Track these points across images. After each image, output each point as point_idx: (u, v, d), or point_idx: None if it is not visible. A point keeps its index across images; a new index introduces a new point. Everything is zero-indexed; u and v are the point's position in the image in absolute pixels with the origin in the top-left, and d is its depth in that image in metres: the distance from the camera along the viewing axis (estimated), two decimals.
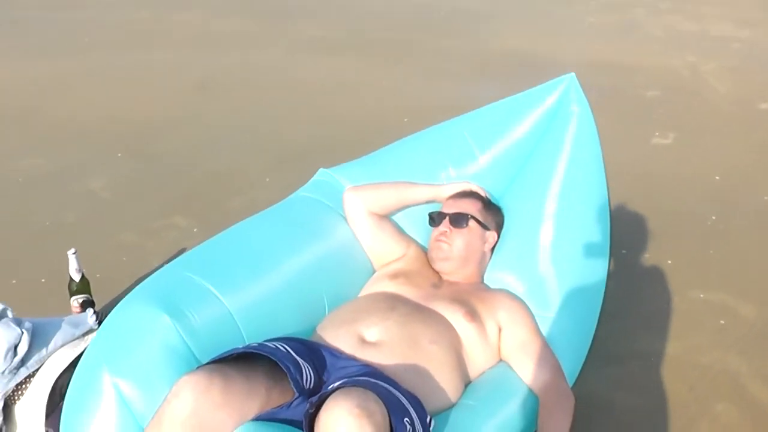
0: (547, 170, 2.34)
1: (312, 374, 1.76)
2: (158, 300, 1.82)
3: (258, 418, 1.66)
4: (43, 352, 2.12)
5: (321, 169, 2.52)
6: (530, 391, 1.98)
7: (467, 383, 2.01)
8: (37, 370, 2.11)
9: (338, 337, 1.92)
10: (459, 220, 2.24)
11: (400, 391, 1.69)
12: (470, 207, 2.28)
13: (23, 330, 2.08)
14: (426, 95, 5.10)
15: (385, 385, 1.67)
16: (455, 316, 2.04)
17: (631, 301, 2.76)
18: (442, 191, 2.34)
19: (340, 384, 1.66)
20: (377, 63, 5.89)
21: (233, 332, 1.90)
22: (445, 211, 2.28)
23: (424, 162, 2.48)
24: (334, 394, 1.53)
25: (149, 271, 2.94)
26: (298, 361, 1.74)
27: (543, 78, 2.49)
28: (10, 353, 2.06)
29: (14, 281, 3.07)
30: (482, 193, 2.34)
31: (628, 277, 2.91)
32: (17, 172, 4.11)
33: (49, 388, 2.06)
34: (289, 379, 1.67)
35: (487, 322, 2.08)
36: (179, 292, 1.87)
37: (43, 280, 2.95)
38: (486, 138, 2.50)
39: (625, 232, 3.20)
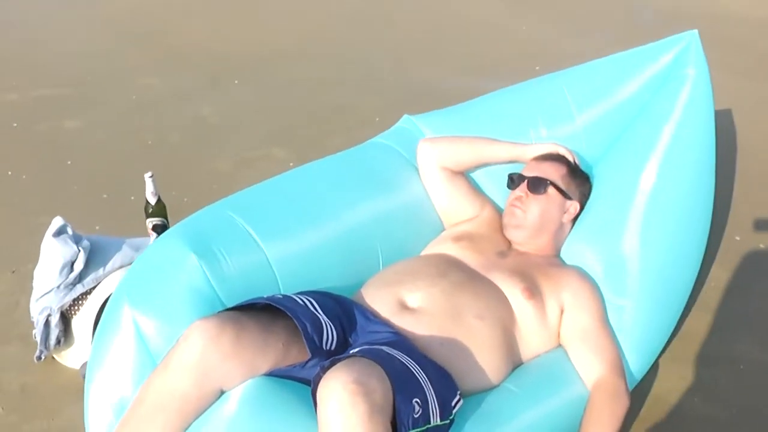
0: (648, 140, 2.06)
1: (334, 334, 1.64)
2: (190, 238, 1.74)
3: (272, 374, 1.56)
4: (100, 271, 2.15)
5: (405, 116, 2.36)
6: (584, 385, 1.78)
7: (516, 365, 1.83)
8: (94, 287, 2.14)
9: (377, 298, 1.79)
10: (537, 185, 2.02)
11: (423, 367, 1.54)
12: (553, 172, 2.05)
13: (80, 248, 2.11)
14: (563, 45, 4.74)
15: (405, 358, 1.53)
16: (513, 291, 1.85)
17: (734, 296, 2.42)
18: (526, 152, 2.12)
19: (358, 350, 1.54)
20: (519, 9, 5.53)
21: (269, 282, 1.80)
22: (525, 173, 2.06)
23: (516, 116, 2.26)
24: (338, 364, 1.41)
25: None
26: (319, 319, 1.63)
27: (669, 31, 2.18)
28: (66, 269, 2.09)
29: (105, 196, 3.14)
30: (570, 158, 2.09)
31: (737, 267, 2.55)
32: (132, 91, 4.20)
33: (98, 307, 2.08)
34: (303, 338, 1.57)
35: (549, 302, 1.87)
36: (216, 233, 1.79)
37: (132, 198, 2.99)
38: (587, 97, 2.23)
39: (745, 216, 2.82)
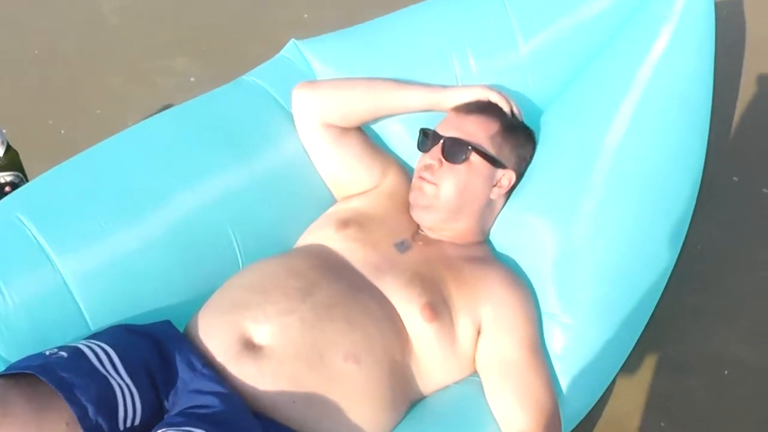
0: (620, 80, 1.47)
1: (137, 405, 1.14)
2: None
3: None
4: None
5: (292, 41, 1.73)
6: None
7: (412, 403, 1.34)
8: None
9: (213, 332, 1.27)
10: (455, 149, 1.44)
11: None
12: (479, 129, 1.46)
13: None
14: None
15: None
16: (409, 309, 1.33)
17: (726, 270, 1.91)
18: (444, 98, 1.52)
19: None
20: None
21: (68, 314, 1.28)
22: (441, 131, 1.48)
23: (436, 42, 1.64)
24: None
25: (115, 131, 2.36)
26: (112, 387, 1.12)
27: None
28: None
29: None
30: (506, 107, 1.50)
31: (730, 221, 2.01)
32: None
33: None
34: (75, 416, 1.07)
35: (461, 321, 1.35)
36: None
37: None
38: (538, 15, 1.61)
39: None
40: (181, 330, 1.33)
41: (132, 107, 2.59)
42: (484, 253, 1.50)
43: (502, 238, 1.51)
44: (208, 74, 2.65)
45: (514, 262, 1.47)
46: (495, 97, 1.49)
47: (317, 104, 1.53)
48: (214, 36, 3.02)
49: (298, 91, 1.55)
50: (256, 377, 1.21)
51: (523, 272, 1.45)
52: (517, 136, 1.50)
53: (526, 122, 1.54)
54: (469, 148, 1.44)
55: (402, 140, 1.64)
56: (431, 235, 1.49)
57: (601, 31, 1.58)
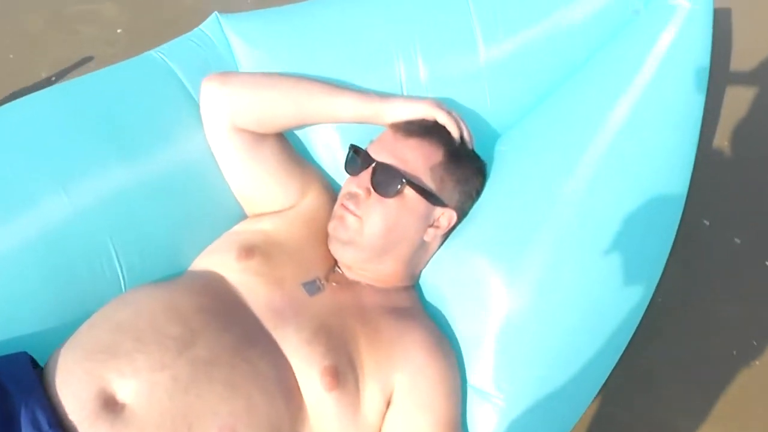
0: (598, 106, 1.21)
1: None
2: None
3: None
4: None
5: (215, 13, 1.42)
6: None
7: None
8: None
9: (71, 381, 1.02)
10: (388, 179, 1.18)
11: None
12: (419, 158, 1.20)
13: None
14: None
15: None
16: (307, 372, 1.09)
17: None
18: (383, 111, 1.24)
19: None
20: None
21: None
22: (374, 153, 1.21)
23: (381, 37, 1.34)
24: None
25: (26, 88, 2.05)
26: None
27: None
28: None
29: None
30: (455, 132, 1.24)
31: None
32: None
33: None
34: None
35: (368, 387, 1.11)
36: None
37: None
38: (506, 18, 1.33)
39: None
40: (43, 364, 1.08)
41: (48, 55, 2.27)
42: (409, 303, 1.25)
43: (434, 282, 1.26)
44: (138, 27, 2.33)
45: (444, 317, 1.23)
46: (443, 118, 1.22)
47: (228, 103, 1.24)
48: None
49: (207, 84, 1.25)
50: None
51: (453, 332, 1.21)
52: (465, 168, 1.24)
53: (477, 150, 1.28)
54: (403, 180, 1.18)
55: (331, 150, 1.36)
56: (349, 274, 1.24)
57: (580, 44, 1.31)
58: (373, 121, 1.25)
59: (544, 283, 1.16)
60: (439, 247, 1.26)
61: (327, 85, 1.26)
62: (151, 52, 1.35)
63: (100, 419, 0.98)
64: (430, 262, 1.27)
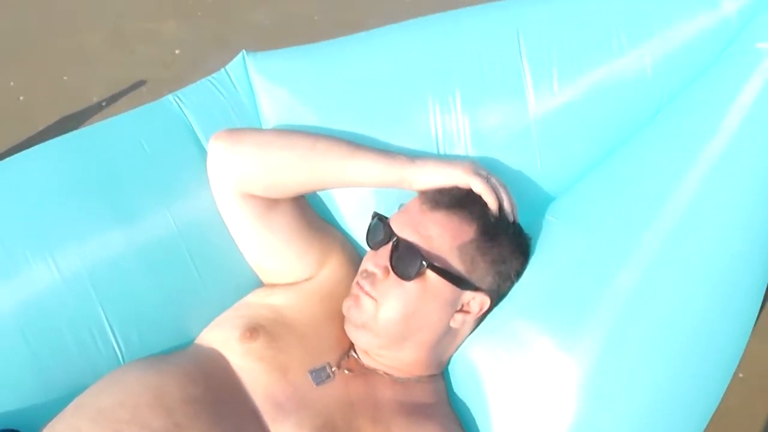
0: (669, 166, 1.04)
1: None
2: None
3: None
4: None
5: (243, 52, 1.27)
6: None
7: None
8: None
9: None
10: (407, 260, 1.02)
11: None
12: (446, 235, 1.03)
13: None
14: None
15: None
16: None
17: None
18: (410, 175, 1.07)
19: None
20: None
21: None
22: (396, 226, 1.05)
23: (415, 81, 1.17)
24: None
25: (77, 113, 2.02)
26: None
27: None
28: None
29: None
30: (493, 204, 1.05)
31: None
32: None
33: None
34: None
35: None
36: None
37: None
38: (564, 65, 1.13)
39: None
40: None
41: (102, 77, 2.22)
42: (432, 397, 1.09)
43: (464, 370, 1.09)
44: (196, 49, 2.24)
45: (475, 412, 1.06)
46: (479, 186, 1.04)
47: (234, 167, 1.10)
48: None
49: (215, 143, 1.12)
50: None
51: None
52: (501, 246, 1.05)
53: (521, 220, 1.09)
54: (424, 263, 1.01)
55: (359, 210, 1.20)
56: (365, 360, 1.08)
57: (648, 95, 1.11)
58: (399, 186, 1.08)
59: (602, 382, 0.98)
60: (472, 331, 1.09)
61: (347, 145, 1.10)
62: (169, 96, 1.23)
63: None
64: (461, 348, 1.10)
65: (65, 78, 2.24)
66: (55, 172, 1.13)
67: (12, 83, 2.24)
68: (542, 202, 1.16)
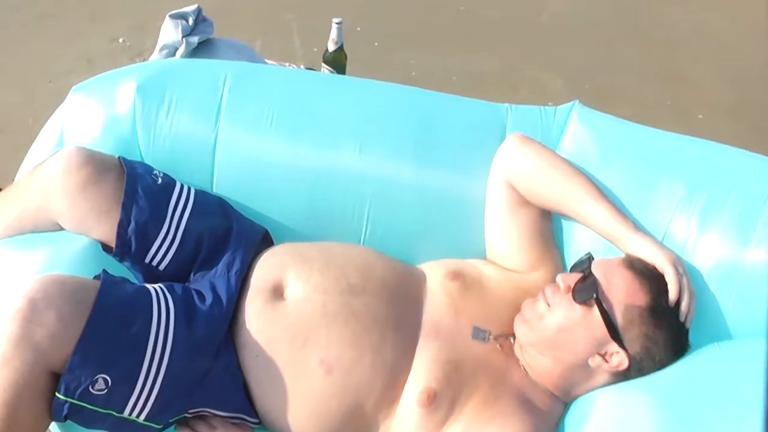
0: None
1: (168, 255, 1.35)
2: (149, 80, 1.47)
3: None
4: None
5: (577, 102, 1.57)
6: None
7: None
8: None
9: (266, 264, 1.35)
10: (585, 288, 1.25)
11: (191, 365, 1.23)
12: (623, 290, 1.23)
13: (184, 40, 1.98)
14: None
15: (165, 334, 1.21)
16: (415, 381, 1.26)
17: None
18: (626, 240, 1.31)
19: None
20: None
21: (202, 166, 1.46)
22: (595, 267, 1.27)
23: (678, 189, 1.35)
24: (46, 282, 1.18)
25: None
26: (161, 225, 1.34)
27: None
28: (166, 51, 2.00)
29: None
30: (674, 294, 1.22)
31: None
32: None
33: None
34: (116, 234, 1.33)
35: (450, 429, 1.23)
36: (185, 87, 1.48)
37: None
38: None
39: None
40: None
41: None
42: (546, 409, 1.28)
43: (583, 413, 1.24)
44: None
45: None
46: (670, 277, 1.23)
47: (511, 161, 1.43)
48: None
49: (511, 138, 1.47)
50: (257, 316, 1.28)
51: None
52: (661, 330, 1.22)
53: (692, 333, 1.25)
54: (595, 296, 1.23)
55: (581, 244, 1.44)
56: (516, 349, 1.32)
57: None
58: (614, 242, 1.32)
59: None
60: (604, 384, 1.27)
61: (596, 190, 1.36)
62: (506, 104, 1.58)
63: (265, 294, 1.29)
64: (589, 394, 1.27)
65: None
66: (391, 103, 1.55)
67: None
68: (715, 333, 1.28)
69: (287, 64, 2.35)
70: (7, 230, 1.40)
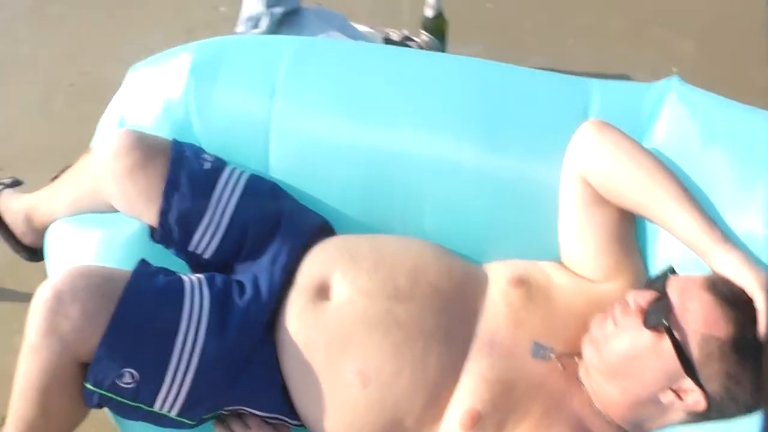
0: None
1: (213, 244, 1.30)
2: (203, 59, 1.42)
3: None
4: None
5: (676, 76, 1.34)
6: None
7: None
8: None
9: (314, 260, 1.26)
10: (656, 312, 1.05)
11: (225, 358, 1.18)
12: (701, 318, 1.03)
13: (269, 11, 1.90)
14: None
15: (195, 326, 1.17)
16: (459, 401, 1.13)
17: None
18: (712, 254, 1.08)
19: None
20: None
21: (256, 148, 1.39)
22: (671, 286, 1.07)
23: None
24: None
25: None
26: (205, 212, 1.29)
27: None
28: (249, 24, 1.93)
29: None
30: (764, 325, 1.00)
31: None
32: None
33: None
34: (158, 222, 1.30)
35: None
36: (250, 60, 1.42)
37: None
38: None
39: None
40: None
41: None
42: None
43: None
44: None
45: None
46: (761, 303, 1.00)
47: (586, 153, 1.23)
48: None
49: (586, 125, 1.25)
50: (297, 316, 1.20)
51: None
52: (743, 368, 1.01)
53: None
54: (665, 322, 1.04)
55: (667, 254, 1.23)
56: (581, 371, 1.16)
57: None
58: (699, 255, 1.10)
59: None
60: (681, 423, 1.08)
61: (682, 190, 1.14)
62: (594, 80, 1.39)
63: (308, 293, 1.20)
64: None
65: None
66: (460, 81, 1.40)
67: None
68: None
69: (387, 30, 2.22)
70: (67, 209, 1.42)
